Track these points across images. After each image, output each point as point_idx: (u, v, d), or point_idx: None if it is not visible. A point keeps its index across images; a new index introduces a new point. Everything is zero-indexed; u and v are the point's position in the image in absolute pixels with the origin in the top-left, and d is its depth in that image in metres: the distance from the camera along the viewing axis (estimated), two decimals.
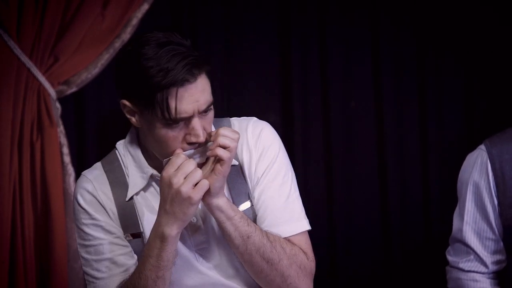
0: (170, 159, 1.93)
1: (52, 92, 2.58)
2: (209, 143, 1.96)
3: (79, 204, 2.06)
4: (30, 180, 2.55)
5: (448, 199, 2.95)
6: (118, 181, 2.07)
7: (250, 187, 2.09)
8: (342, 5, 2.95)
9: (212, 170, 1.94)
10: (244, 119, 2.15)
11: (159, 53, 1.89)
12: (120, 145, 2.12)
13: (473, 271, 2.35)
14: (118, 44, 2.63)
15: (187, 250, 2.05)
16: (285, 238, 2.05)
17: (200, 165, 1.95)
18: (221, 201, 1.97)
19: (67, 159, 2.62)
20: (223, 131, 1.94)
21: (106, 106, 2.76)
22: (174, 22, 2.82)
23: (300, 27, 2.92)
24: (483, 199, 2.32)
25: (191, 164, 1.91)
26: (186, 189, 1.89)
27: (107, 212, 2.05)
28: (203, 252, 2.07)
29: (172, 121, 1.91)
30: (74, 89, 2.63)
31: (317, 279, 2.15)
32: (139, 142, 2.08)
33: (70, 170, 2.63)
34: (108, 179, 2.07)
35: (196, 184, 1.90)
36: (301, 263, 2.05)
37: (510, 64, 2.96)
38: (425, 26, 3.00)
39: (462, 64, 3.02)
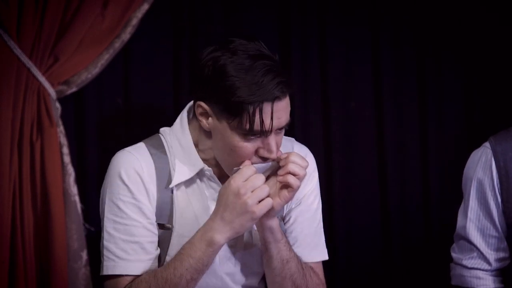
0: (240, 168, 1.93)
1: (52, 92, 2.57)
2: (274, 162, 1.98)
3: (122, 180, 2.03)
4: (30, 180, 2.55)
5: (448, 199, 2.96)
6: (162, 167, 2.06)
7: (287, 207, 2.12)
8: (342, 5, 2.95)
9: (277, 193, 1.96)
10: (285, 138, 2.15)
11: (254, 66, 1.91)
12: (166, 132, 2.12)
13: (476, 268, 2.36)
14: (118, 44, 2.63)
15: None
16: (307, 263, 2.11)
17: None
18: (274, 223, 2.00)
19: (67, 159, 2.62)
20: (294, 158, 1.96)
21: (106, 106, 2.76)
22: (174, 22, 2.82)
23: (300, 27, 2.92)
24: (487, 196, 2.33)
25: (261, 179, 1.93)
26: (252, 202, 1.90)
27: (148, 195, 2.04)
28: (227, 257, 2.08)
29: (253, 134, 1.92)
30: (74, 89, 2.62)
31: None
32: (191, 134, 2.07)
33: (70, 170, 2.63)
34: (154, 163, 2.06)
35: (260, 201, 1.91)
36: None
37: (510, 64, 2.96)
38: (425, 26, 3.00)
39: (462, 64, 3.02)
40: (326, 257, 2.18)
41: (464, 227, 2.38)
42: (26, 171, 2.54)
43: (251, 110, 1.90)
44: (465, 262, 2.38)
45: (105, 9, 2.59)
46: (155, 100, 2.79)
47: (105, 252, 2.06)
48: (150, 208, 2.04)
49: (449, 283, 2.47)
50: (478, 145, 2.45)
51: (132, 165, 2.05)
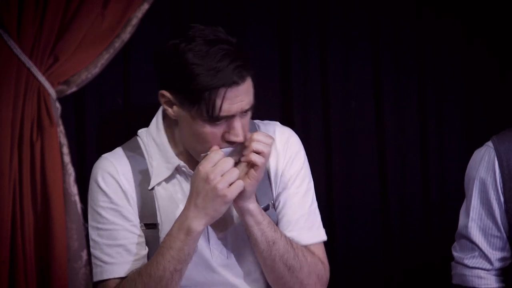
0: (207, 154, 1.94)
1: (52, 92, 2.57)
2: (242, 145, 1.98)
3: (99, 186, 2.06)
4: (30, 180, 2.55)
5: (448, 199, 2.96)
6: (140, 169, 2.08)
7: (275, 192, 2.11)
8: (342, 5, 2.95)
9: (246, 173, 1.95)
10: (268, 123, 2.17)
11: (210, 51, 1.91)
12: (143, 133, 2.14)
13: (478, 268, 2.36)
14: (118, 44, 2.63)
15: (203, 246, 2.06)
16: (305, 245, 2.09)
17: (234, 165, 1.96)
18: (252, 205, 1.99)
19: (67, 159, 2.62)
20: (257, 136, 1.96)
21: (106, 106, 2.76)
22: (174, 22, 2.82)
23: (300, 27, 2.92)
24: (489, 196, 2.33)
25: (229, 163, 1.93)
26: (222, 186, 1.90)
27: (127, 198, 2.06)
28: (218, 249, 2.07)
29: (216, 119, 1.92)
30: (74, 89, 2.62)
31: None
32: (166, 131, 2.08)
33: (70, 170, 2.62)
34: (131, 165, 2.08)
35: (231, 184, 1.91)
36: (319, 273, 2.10)
37: (510, 63, 2.96)
38: (425, 26, 3.00)
39: (462, 64, 3.02)
40: (323, 238, 2.16)
41: (466, 226, 2.38)
42: (26, 171, 2.54)
43: (210, 97, 1.90)
44: (466, 261, 2.38)
45: (105, 9, 2.59)
46: (155, 100, 2.77)
47: (93, 259, 2.09)
48: (130, 210, 2.06)
49: (450, 282, 2.47)
50: (478, 145, 2.44)
51: (107, 170, 2.07)
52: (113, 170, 2.07)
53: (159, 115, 2.12)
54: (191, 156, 2.06)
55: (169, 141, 2.08)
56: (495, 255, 2.35)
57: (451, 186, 2.96)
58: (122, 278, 2.04)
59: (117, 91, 2.78)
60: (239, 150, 1.99)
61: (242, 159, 1.96)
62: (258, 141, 1.95)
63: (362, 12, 2.96)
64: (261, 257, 2.03)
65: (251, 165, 1.95)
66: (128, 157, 2.10)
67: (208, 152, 1.95)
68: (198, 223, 1.94)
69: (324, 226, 2.93)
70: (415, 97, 3.01)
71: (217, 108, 1.91)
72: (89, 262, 2.63)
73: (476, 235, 2.36)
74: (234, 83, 1.92)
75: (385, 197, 2.99)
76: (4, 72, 2.51)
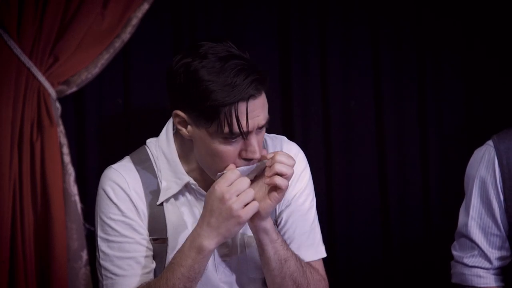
0: (224, 173, 1.91)
1: (52, 92, 2.58)
2: (262, 162, 1.95)
3: (110, 198, 2.03)
4: (30, 180, 2.55)
5: (448, 199, 2.96)
6: (149, 182, 2.05)
7: (278, 209, 2.11)
8: (342, 5, 2.95)
9: (266, 194, 1.94)
10: (275, 137, 2.15)
11: (224, 67, 1.88)
12: (152, 144, 2.11)
13: (477, 267, 2.36)
14: (118, 44, 2.63)
15: (209, 261, 2.04)
16: (307, 262, 2.09)
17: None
18: (269, 224, 1.98)
19: (67, 159, 2.62)
20: (280, 157, 1.93)
21: (106, 106, 2.76)
22: (174, 22, 2.82)
23: (300, 27, 2.92)
24: (489, 194, 2.33)
25: (245, 183, 1.90)
26: (237, 206, 1.88)
27: (138, 212, 2.04)
28: (223, 265, 2.07)
29: (233, 136, 1.90)
30: (74, 89, 2.62)
31: None
32: (176, 146, 2.06)
33: (70, 170, 2.63)
34: (141, 179, 2.05)
35: (246, 204, 1.90)
36: None
37: (510, 63, 2.96)
38: (425, 26, 3.00)
39: (462, 64, 3.02)
40: (323, 255, 2.16)
41: (466, 225, 2.38)
42: (26, 171, 2.54)
43: (227, 113, 1.88)
44: (466, 260, 2.38)
45: (105, 9, 2.59)
46: (155, 100, 2.79)
47: (103, 271, 2.06)
48: (141, 224, 2.04)
49: (449, 281, 2.47)
50: (478, 145, 2.45)
51: (118, 183, 2.04)
52: (124, 184, 2.04)
53: (169, 127, 2.09)
54: (203, 173, 2.04)
55: (179, 157, 2.06)
56: (494, 254, 2.36)
57: (451, 186, 2.96)
58: None
59: (117, 91, 2.78)
60: (255, 168, 1.97)
61: (266, 181, 1.93)
62: (281, 162, 1.92)
63: (362, 12, 2.96)
64: (271, 275, 2.02)
65: (273, 187, 1.93)
66: (137, 170, 2.07)
67: (224, 171, 1.93)
68: (210, 242, 1.92)
69: (324, 226, 2.94)
70: (415, 97, 3.01)
71: (234, 124, 1.89)
72: (89, 262, 2.63)
73: (476, 234, 2.36)
74: (251, 96, 1.90)
75: (385, 197, 2.99)
76: (4, 72, 2.51)
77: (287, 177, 1.93)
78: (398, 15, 2.98)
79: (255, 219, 1.95)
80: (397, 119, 3.00)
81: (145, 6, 2.64)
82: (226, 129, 1.89)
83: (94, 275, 2.63)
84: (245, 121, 1.89)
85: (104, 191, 2.05)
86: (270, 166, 1.93)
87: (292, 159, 1.95)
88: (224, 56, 1.90)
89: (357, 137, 2.98)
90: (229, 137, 1.91)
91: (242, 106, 1.89)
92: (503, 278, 2.39)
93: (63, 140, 2.62)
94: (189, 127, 1.96)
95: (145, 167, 2.07)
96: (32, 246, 2.56)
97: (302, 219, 2.12)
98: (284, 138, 2.20)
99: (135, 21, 2.64)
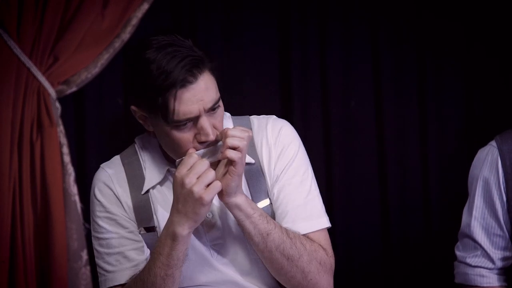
0: (182, 159, 1.93)
1: (52, 91, 2.58)
2: (220, 142, 1.96)
3: (95, 197, 2.08)
4: (30, 180, 2.55)
5: (448, 199, 2.96)
6: (135, 175, 2.09)
7: (269, 185, 2.10)
8: (342, 5, 2.95)
9: (227, 170, 1.94)
10: (263, 117, 2.15)
11: (159, 56, 1.89)
12: (139, 139, 2.15)
13: (480, 267, 2.36)
14: (118, 44, 2.63)
15: (202, 246, 2.07)
16: (304, 234, 2.06)
17: (215, 163, 1.96)
18: (240, 199, 1.98)
19: (67, 158, 2.62)
20: (231, 131, 1.93)
21: (106, 106, 2.76)
22: (174, 22, 2.82)
23: (300, 27, 2.92)
24: (492, 195, 2.33)
25: (204, 165, 1.91)
26: (198, 189, 1.89)
27: (122, 205, 2.07)
28: (218, 248, 2.08)
29: (175, 123, 1.92)
30: (74, 89, 2.63)
31: None
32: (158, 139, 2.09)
33: (70, 170, 2.63)
34: (126, 172, 2.09)
35: (209, 185, 1.90)
36: (321, 259, 2.05)
37: (510, 63, 2.96)
38: (425, 26, 3.00)
39: (462, 64, 3.02)
40: (324, 225, 2.10)
41: (469, 225, 2.38)
42: (26, 170, 2.54)
43: (165, 101, 1.89)
44: (469, 260, 2.38)
45: (105, 9, 2.59)
46: None
47: (98, 269, 2.10)
48: (126, 217, 2.07)
49: (450, 282, 2.47)
50: (478, 145, 2.45)
51: (102, 179, 2.09)
52: (108, 180, 2.08)
53: None
54: None
55: (160, 146, 2.09)
56: (497, 254, 2.36)
57: (451, 186, 2.96)
58: (123, 285, 2.06)
59: (117, 91, 2.78)
60: (215, 150, 1.97)
61: (219, 156, 1.95)
62: (233, 136, 1.92)
63: (362, 12, 2.96)
64: (258, 250, 2.02)
65: (230, 161, 1.93)
66: (124, 165, 2.11)
67: (183, 157, 1.94)
68: (181, 227, 1.93)
69: None
70: (415, 97, 3.01)
71: (170, 111, 1.90)
72: (89, 262, 2.63)
73: (479, 234, 2.36)
74: (187, 82, 1.90)
75: (385, 197, 2.99)
76: (4, 72, 2.51)
77: (240, 149, 1.92)
78: (398, 15, 2.98)
79: (223, 197, 1.95)
80: (397, 119, 3.00)
81: (145, 6, 2.65)
82: (164, 117, 1.91)
83: (94, 275, 2.63)
84: (183, 108, 1.90)
85: (92, 191, 2.11)
86: (223, 142, 1.94)
87: (245, 132, 1.94)
88: (163, 45, 1.91)
89: (357, 137, 2.98)
90: (175, 124, 1.92)
91: (179, 93, 1.89)
92: (506, 278, 2.39)
93: (63, 140, 2.62)
94: (147, 120, 2.00)
95: (131, 161, 2.11)
96: (32, 246, 2.56)
97: (294, 192, 2.09)
98: (273, 116, 2.18)
99: (135, 21, 2.64)
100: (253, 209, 1.99)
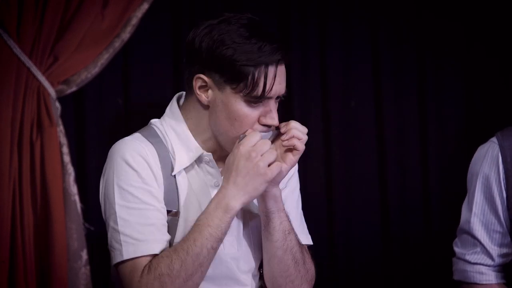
0: (246, 135, 1.97)
1: (52, 91, 2.58)
2: (274, 131, 2.02)
3: (130, 165, 2.01)
4: (30, 180, 2.55)
5: (448, 199, 2.96)
6: (163, 154, 2.06)
7: None
8: (342, 5, 2.95)
9: (282, 158, 2.00)
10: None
11: (252, 33, 1.95)
12: (157, 122, 2.12)
13: (479, 264, 2.36)
14: (118, 44, 2.63)
15: None
16: None
17: None
18: (278, 191, 2.03)
19: (67, 158, 2.62)
20: (295, 124, 2.01)
21: (106, 106, 2.76)
22: (174, 22, 2.82)
23: (300, 27, 2.92)
24: (492, 191, 2.33)
25: (268, 144, 1.96)
26: (263, 164, 1.93)
27: (157, 180, 2.04)
28: (230, 240, 2.08)
29: (260, 98, 1.96)
30: (74, 89, 2.62)
31: (317, 278, 2.16)
32: (185, 121, 2.09)
33: (70, 169, 2.63)
34: (156, 150, 2.05)
35: (269, 164, 1.95)
36: (312, 272, 2.13)
37: (510, 63, 2.97)
38: (425, 26, 3.00)
39: (462, 64, 3.02)
40: (311, 243, 2.19)
41: (468, 221, 2.37)
42: (26, 170, 2.54)
43: (256, 74, 1.94)
44: (468, 257, 2.38)
45: (105, 9, 2.59)
46: (155, 100, 2.79)
47: (122, 238, 2.00)
48: (159, 193, 2.04)
49: (450, 281, 2.46)
50: (478, 144, 2.44)
51: (138, 151, 2.03)
52: (143, 152, 2.03)
53: (174, 106, 2.11)
54: (215, 147, 2.07)
55: (190, 130, 2.08)
56: (496, 251, 2.36)
57: (451, 186, 2.96)
58: (153, 256, 1.99)
59: (117, 91, 2.78)
60: (271, 136, 2.03)
61: (284, 143, 2.00)
62: (297, 128, 2.00)
63: (362, 12, 2.97)
64: (274, 246, 2.04)
65: (289, 150, 1.99)
66: (151, 143, 2.07)
67: (246, 134, 1.98)
68: (237, 201, 1.95)
69: (324, 226, 2.95)
70: (415, 97, 3.01)
71: (261, 86, 1.95)
72: (89, 262, 2.63)
73: (478, 230, 2.36)
74: (280, 61, 1.96)
75: (385, 197, 2.99)
76: (4, 72, 2.51)
77: (302, 141, 2.00)
78: (398, 15, 2.98)
79: (269, 184, 1.98)
80: (397, 119, 3.00)
81: (145, 6, 2.64)
82: (252, 90, 1.95)
83: (94, 275, 2.63)
84: (272, 85, 1.96)
85: (123, 159, 2.02)
86: (285, 132, 2.00)
87: (305, 128, 2.01)
88: (247, 23, 1.98)
89: (357, 137, 2.98)
90: (253, 100, 1.96)
91: (271, 69, 1.95)
92: (505, 275, 2.39)
93: (63, 140, 2.62)
94: (209, 91, 2.00)
95: (156, 142, 2.07)
96: (32, 246, 2.56)
97: (294, 205, 2.17)
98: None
99: (135, 21, 2.64)
100: (283, 205, 2.05)
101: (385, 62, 2.98)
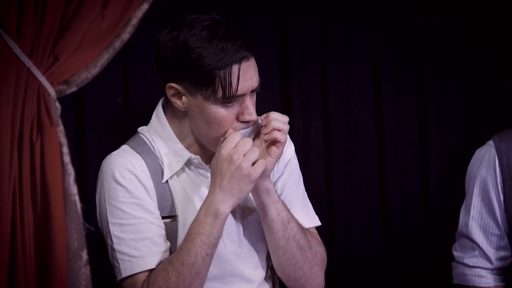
0: (226, 137, 1.95)
1: (52, 91, 2.58)
2: (256, 124, 2.00)
3: (117, 182, 2.02)
4: (30, 180, 2.55)
5: (448, 199, 2.96)
6: (152, 163, 2.06)
7: (272, 179, 2.11)
8: (342, 5, 2.95)
9: (266, 152, 1.98)
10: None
11: (214, 34, 1.93)
12: (144, 130, 2.12)
13: (478, 267, 2.37)
14: (118, 44, 2.63)
15: None
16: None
17: None
18: (269, 184, 2.02)
19: (67, 158, 2.62)
20: (275, 115, 1.98)
21: (106, 106, 2.76)
22: (174, 21, 2.81)
23: (300, 27, 2.92)
24: (490, 194, 2.34)
25: (249, 143, 1.94)
26: (246, 165, 1.92)
27: (147, 191, 2.04)
28: (231, 238, 2.08)
29: (231, 98, 1.94)
30: (74, 89, 2.62)
31: None
32: (171, 126, 2.08)
33: (70, 169, 2.63)
34: (144, 160, 2.05)
35: (254, 163, 1.93)
36: (321, 254, 2.13)
37: (510, 63, 2.96)
38: (425, 26, 3.00)
39: (462, 64, 3.02)
40: (319, 223, 2.18)
41: (467, 225, 2.38)
42: (26, 170, 2.54)
43: (221, 76, 1.91)
44: (466, 261, 2.38)
45: (105, 9, 2.59)
46: (155, 100, 2.78)
47: (119, 256, 2.03)
48: (151, 203, 2.04)
49: (450, 282, 2.47)
50: (478, 144, 2.45)
51: (124, 166, 2.03)
52: (129, 165, 2.03)
53: (159, 112, 2.11)
54: (201, 148, 2.07)
55: (176, 135, 2.08)
56: (495, 254, 2.36)
57: (451, 186, 2.96)
58: (151, 270, 2.00)
59: (117, 91, 2.78)
60: (253, 130, 2.02)
61: (265, 137, 1.98)
62: (276, 119, 1.97)
63: (362, 12, 2.97)
64: (275, 238, 2.04)
65: (272, 142, 1.98)
66: (139, 153, 2.07)
67: (226, 136, 1.96)
68: (225, 205, 1.94)
69: (324, 226, 2.94)
70: (415, 97, 3.01)
71: (231, 87, 1.93)
72: (89, 262, 2.63)
73: (477, 234, 2.36)
74: (244, 58, 1.94)
75: (385, 197, 2.99)
76: (4, 72, 2.51)
77: (284, 131, 1.97)
78: (398, 15, 2.98)
79: (258, 179, 1.97)
80: (397, 119, 3.00)
81: (145, 6, 2.64)
82: (221, 93, 1.93)
83: (94, 275, 2.63)
84: (240, 84, 1.94)
85: (111, 177, 2.03)
86: (265, 125, 1.98)
87: (286, 117, 1.99)
88: (210, 25, 1.96)
89: (357, 137, 2.98)
90: (225, 101, 1.95)
91: (235, 68, 1.93)
92: (503, 278, 2.39)
93: (63, 140, 2.62)
94: (183, 98, 1.99)
95: (144, 151, 2.08)
96: (32, 246, 2.56)
97: (295, 187, 2.16)
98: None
99: (135, 21, 2.64)
100: (278, 195, 2.05)
101: (385, 62, 2.98)
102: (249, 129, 2.01)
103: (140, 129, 2.14)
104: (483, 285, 2.36)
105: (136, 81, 2.78)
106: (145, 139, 2.10)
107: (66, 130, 2.63)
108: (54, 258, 2.56)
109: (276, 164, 2.08)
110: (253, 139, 2.00)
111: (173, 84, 1.99)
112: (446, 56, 3.01)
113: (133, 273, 2.01)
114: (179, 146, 2.07)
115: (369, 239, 2.98)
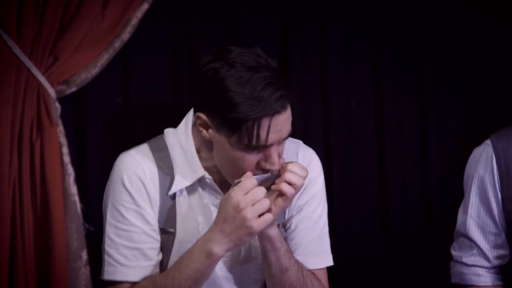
0: (241, 181, 1.90)
1: (51, 92, 2.58)
2: (275, 172, 1.94)
3: (124, 185, 2.01)
4: (29, 180, 2.55)
5: (448, 199, 2.96)
6: (165, 172, 2.03)
7: (288, 214, 2.09)
8: (342, 5, 2.95)
9: (274, 202, 1.92)
10: (292, 141, 2.11)
11: (252, 79, 1.85)
12: (169, 133, 2.08)
13: (476, 266, 2.37)
14: (118, 44, 2.63)
15: None
16: (311, 270, 2.08)
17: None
18: (273, 232, 1.96)
19: (67, 159, 2.62)
20: (292, 167, 1.91)
21: (106, 106, 2.76)
22: (174, 22, 2.82)
23: (300, 27, 2.92)
24: (488, 193, 2.34)
25: (261, 193, 1.89)
26: (251, 216, 1.87)
27: (151, 202, 2.02)
28: (223, 261, 2.06)
29: (256, 149, 1.89)
30: (74, 89, 2.62)
31: None
32: (194, 140, 2.04)
33: (70, 170, 2.62)
34: (157, 167, 2.03)
35: (261, 215, 1.88)
36: None
37: (510, 63, 2.96)
38: (425, 26, 3.00)
39: (462, 64, 3.02)
40: (330, 263, 2.14)
41: (465, 223, 2.38)
42: (26, 171, 2.54)
43: (250, 127, 1.86)
44: (465, 260, 2.38)
45: (105, 9, 2.59)
46: (155, 100, 2.79)
47: (106, 257, 2.04)
48: (152, 215, 2.02)
49: (450, 281, 2.47)
50: (477, 144, 2.45)
51: (135, 170, 2.02)
52: (141, 172, 2.01)
53: (188, 120, 2.06)
54: (217, 173, 2.02)
55: (197, 150, 2.04)
56: (493, 252, 2.36)
57: (451, 186, 2.96)
58: (133, 283, 2.01)
59: (117, 91, 2.78)
60: (273, 177, 1.95)
61: (273, 187, 1.92)
62: (293, 172, 1.91)
63: (362, 12, 2.96)
64: (271, 281, 2.02)
65: (280, 194, 1.91)
66: (155, 158, 2.04)
67: (242, 179, 1.91)
68: (220, 248, 1.90)
69: None
70: (415, 97, 3.01)
71: (258, 138, 1.86)
72: (89, 262, 2.63)
73: (475, 233, 2.37)
74: (277, 113, 1.87)
75: (385, 197, 2.99)
76: (4, 72, 2.51)
77: (295, 187, 1.91)
78: (398, 15, 2.98)
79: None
80: (397, 119, 3.00)
81: (145, 6, 2.64)
82: (246, 142, 1.87)
83: (94, 275, 2.63)
84: (267, 136, 1.87)
85: (119, 178, 2.02)
86: (281, 175, 1.92)
87: (305, 171, 1.93)
88: (252, 67, 1.87)
89: (357, 137, 2.98)
90: (250, 149, 1.89)
91: (265, 122, 1.86)
92: (501, 277, 2.39)
93: (63, 140, 2.62)
94: (210, 130, 1.94)
95: (162, 156, 2.05)
96: (32, 246, 2.56)
97: (311, 226, 2.11)
98: (300, 142, 2.18)
99: (135, 21, 2.64)
100: (282, 243, 1.99)
101: (385, 62, 2.98)
102: (268, 174, 1.95)
103: (166, 131, 2.11)
104: (481, 284, 2.37)
105: (136, 81, 2.78)
106: (167, 143, 2.07)
107: (66, 130, 2.63)
108: (54, 258, 2.56)
109: (297, 196, 2.04)
110: (271, 185, 1.95)
111: (202, 115, 1.93)
112: (446, 56, 3.01)
113: (114, 279, 2.01)
114: (197, 161, 2.03)
115: (369, 239, 2.98)
